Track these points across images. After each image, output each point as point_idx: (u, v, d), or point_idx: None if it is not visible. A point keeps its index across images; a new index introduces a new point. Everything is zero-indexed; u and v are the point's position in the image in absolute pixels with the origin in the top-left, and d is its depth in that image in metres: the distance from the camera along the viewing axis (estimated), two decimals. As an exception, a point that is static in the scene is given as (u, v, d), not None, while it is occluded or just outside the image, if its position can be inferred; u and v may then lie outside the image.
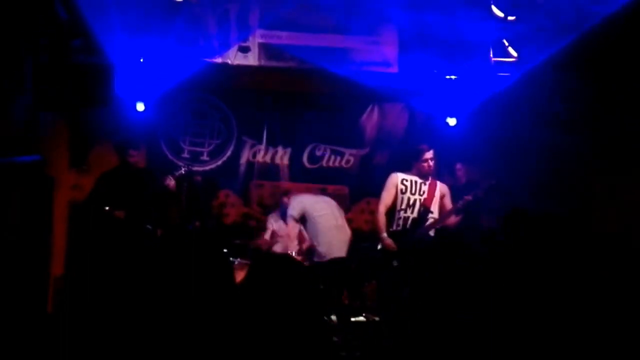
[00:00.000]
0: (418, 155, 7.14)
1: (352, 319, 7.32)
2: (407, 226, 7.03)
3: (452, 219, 7.08)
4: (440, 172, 7.65)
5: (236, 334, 3.12)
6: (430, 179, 7.16)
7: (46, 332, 5.10)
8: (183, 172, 7.57)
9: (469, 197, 6.93)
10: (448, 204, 7.19)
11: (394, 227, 7.09)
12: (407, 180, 7.13)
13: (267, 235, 8.45)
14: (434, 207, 7.12)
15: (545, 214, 3.63)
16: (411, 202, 7.08)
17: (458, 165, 8.37)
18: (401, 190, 7.11)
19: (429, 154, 7.11)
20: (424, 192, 7.10)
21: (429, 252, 6.49)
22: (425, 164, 7.08)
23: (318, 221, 8.30)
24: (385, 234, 7.05)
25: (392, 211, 7.16)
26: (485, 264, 4.27)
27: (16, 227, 5.88)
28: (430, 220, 7.03)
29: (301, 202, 8.42)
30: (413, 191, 7.09)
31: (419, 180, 7.12)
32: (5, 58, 6.43)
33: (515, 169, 8.38)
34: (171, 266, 3.65)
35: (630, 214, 7.72)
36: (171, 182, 7.42)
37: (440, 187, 7.21)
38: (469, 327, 3.82)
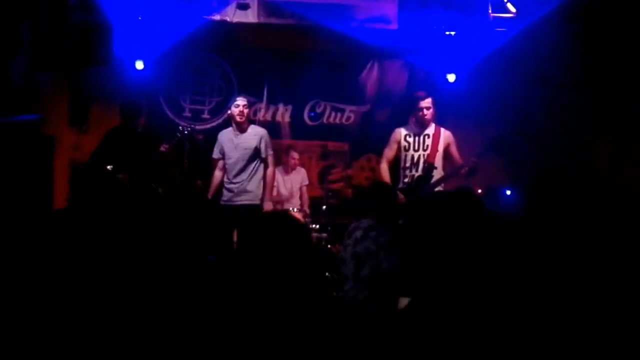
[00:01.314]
0: (415, 103, 7.07)
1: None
2: (413, 184, 6.98)
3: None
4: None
5: (235, 291, 3.20)
6: (433, 127, 7.04)
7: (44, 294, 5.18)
8: (186, 132, 7.50)
9: (474, 159, 6.82)
10: (455, 152, 7.05)
11: (400, 185, 7.07)
12: (409, 137, 7.06)
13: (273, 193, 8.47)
14: (438, 162, 7.04)
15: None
16: (415, 159, 7.03)
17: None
18: (404, 147, 7.04)
19: (426, 102, 6.99)
20: (427, 147, 7.01)
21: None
22: (421, 113, 7.01)
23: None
24: None
25: (396, 169, 7.14)
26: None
27: (16, 186, 5.93)
28: (436, 177, 6.99)
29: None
30: (416, 147, 7.00)
31: (422, 134, 7.04)
32: (4, 17, 6.43)
33: (513, 123, 8.39)
34: (173, 223, 3.72)
35: (629, 171, 7.75)
36: (165, 148, 7.35)
37: (445, 136, 7.06)
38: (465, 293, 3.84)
